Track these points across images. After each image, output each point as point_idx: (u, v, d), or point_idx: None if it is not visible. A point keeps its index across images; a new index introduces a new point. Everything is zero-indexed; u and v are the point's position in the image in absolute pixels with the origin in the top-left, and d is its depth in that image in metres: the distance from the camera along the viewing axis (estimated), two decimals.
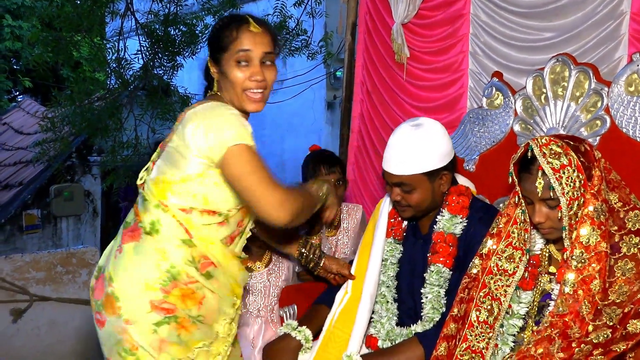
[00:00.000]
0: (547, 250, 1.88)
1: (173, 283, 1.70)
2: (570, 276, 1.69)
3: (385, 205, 2.34)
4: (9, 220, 6.43)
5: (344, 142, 3.64)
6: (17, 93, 13.23)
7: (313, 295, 2.59)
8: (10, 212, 6.48)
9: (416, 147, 2.05)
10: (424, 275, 2.11)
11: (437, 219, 2.14)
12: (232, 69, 1.79)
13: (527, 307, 1.85)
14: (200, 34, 5.36)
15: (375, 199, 3.27)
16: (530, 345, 1.70)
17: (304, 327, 2.22)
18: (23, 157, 7.56)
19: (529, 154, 1.74)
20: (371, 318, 2.23)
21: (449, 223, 2.10)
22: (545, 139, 1.73)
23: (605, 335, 1.60)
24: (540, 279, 1.87)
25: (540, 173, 1.71)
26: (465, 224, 2.10)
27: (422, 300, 2.11)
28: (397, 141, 2.10)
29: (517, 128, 2.48)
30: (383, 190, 3.28)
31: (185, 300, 1.71)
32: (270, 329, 2.55)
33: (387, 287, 2.24)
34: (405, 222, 2.28)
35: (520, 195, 1.81)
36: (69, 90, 5.34)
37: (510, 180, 1.81)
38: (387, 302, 2.23)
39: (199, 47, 5.37)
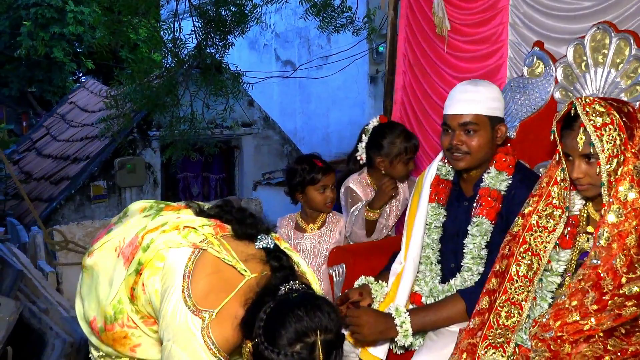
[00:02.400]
0: (586, 211, 1.87)
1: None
2: (606, 229, 1.68)
3: (428, 174, 2.36)
4: (78, 191, 6.68)
5: (387, 113, 3.64)
6: (81, 74, 13.57)
7: (361, 255, 2.64)
8: (79, 184, 6.72)
9: (483, 91, 2.13)
10: (467, 229, 2.14)
11: (482, 178, 2.15)
12: None
13: (566, 265, 1.85)
14: (249, 14, 5.39)
15: (418, 169, 3.27)
16: (565, 298, 1.71)
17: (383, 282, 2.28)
18: (89, 133, 7.79)
19: (572, 112, 1.74)
20: (416, 278, 2.27)
21: (495, 180, 2.12)
22: (589, 99, 1.72)
23: (639, 288, 1.60)
24: (578, 238, 1.86)
25: (582, 130, 1.71)
26: (509, 182, 2.11)
27: (463, 251, 2.13)
28: (464, 87, 2.16)
29: (557, 95, 2.45)
30: (426, 159, 3.28)
31: (115, 345, 1.69)
32: (321, 287, 2.61)
33: (432, 249, 2.26)
34: (449, 187, 2.29)
35: (561, 152, 1.81)
36: (129, 70, 5.46)
37: (552, 137, 1.80)
38: (431, 263, 2.26)
39: (248, 26, 5.41)
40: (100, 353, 1.76)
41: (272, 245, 1.65)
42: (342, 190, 2.82)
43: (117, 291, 1.65)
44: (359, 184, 2.83)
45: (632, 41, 2.20)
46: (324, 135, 9.11)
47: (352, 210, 2.67)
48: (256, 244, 1.64)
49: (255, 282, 1.55)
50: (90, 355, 1.85)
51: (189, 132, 5.57)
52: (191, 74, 5.65)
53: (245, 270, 1.57)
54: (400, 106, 3.50)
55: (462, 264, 2.16)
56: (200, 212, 1.77)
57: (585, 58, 2.33)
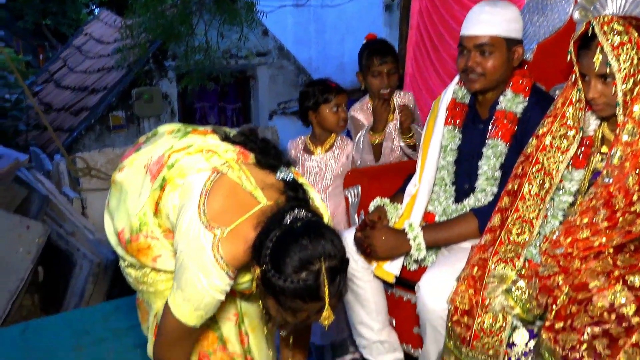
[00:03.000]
0: (601, 131, 1.86)
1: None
2: (620, 148, 1.67)
3: (444, 97, 2.34)
4: (97, 121, 6.72)
5: (403, 38, 3.59)
6: (94, 6, 13.37)
7: (376, 177, 2.67)
8: (99, 114, 6.76)
9: (500, 11, 2.09)
10: (482, 151, 2.14)
11: (498, 101, 2.14)
12: None
13: (578, 185, 1.86)
14: None
15: (433, 93, 3.25)
16: (576, 216, 1.73)
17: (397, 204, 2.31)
18: (105, 64, 7.76)
19: (590, 31, 1.70)
20: (430, 199, 2.29)
21: (511, 102, 2.11)
22: (608, 17, 1.68)
23: None
24: (592, 159, 1.86)
25: (599, 49, 1.68)
26: (525, 105, 2.10)
27: (478, 172, 2.15)
28: (481, 8, 2.12)
29: (576, 16, 2.38)
30: (441, 84, 3.25)
31: (139, 255, 1.75)
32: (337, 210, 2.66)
33: (447, 171, 2.27)
34: (465, 110, 2.28)
35: (577, 73, 1.78)
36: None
37: (569, 57, 1.78)
38: (446, 184, 2.28)
39: None
40: (127, 263, 1.84)
41: (291, 179, 1.68)
42: (348, 119, 2.83)
43: (143, 204, 1.71)
44: (360, 111, 2.84)
45: None
46: (339, 64, 9.00)
47: (358, 135, 2.69)
48: (277, 174, 1.68)
49: (269, 209, 1.59)
50: (119, 264, 1.93)
51: (204, 61, 5.53)
52: (205, 3, 5.55)
53: (262, 197, 1.61)
54: (416, 31, 3.44)
55: (475, 185, 2.18)
56: (225, 138, 1.79)
57: None
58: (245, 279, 1.69)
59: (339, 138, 2.74)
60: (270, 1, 5.82)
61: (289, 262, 1.44)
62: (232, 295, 1.90)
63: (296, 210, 1.54)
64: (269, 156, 1.72)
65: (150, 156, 1.76)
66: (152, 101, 6.82)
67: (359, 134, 2.71)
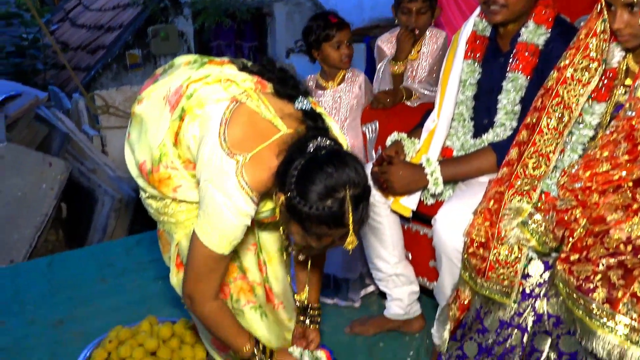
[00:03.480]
0: (625, 63, 1.81)
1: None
2: None
3: (464, 31, 2.28)
4: (114, 59, 6.68)
5: None
6: None
7: (394, 112, 2.66)
8: (115, 53, 6.71)
9: None
10: (502, 85, 2.11)
11: (520, 32, 2.09)
12: None
13: (600, 118, 1.82)
14: None
15: (454, 27, 3.18)
16: (596, 150, 1.71)
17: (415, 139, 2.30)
18: (121, 1, 7.66)
19: None
20: (448, 134, 2.28)
21: (533, 34, 2.06)
22: None
23: None
24: (615, 91, 1.82)
25: None
26: (548, 36, 2.04)
27: (497, 107, 2.12)
28: None
29: None
30: (462, 18, 3.17)
31: (160, 186, 1.76)
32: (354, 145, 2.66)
33: (465, 106, 2.24)
34: (485, 43, 2.23)
35: (603, 2, 1.72)
36: None
37: None
38: (464, 120, 2.25)
39: None
40: (147, 194, 1.87)
41: (309, 108, 1.68)
42: (375, 49, 2.79)
43: (163, 135, 1.73)
44: (387, 42, 2.79)
45: None
46: (357, 2, 8.77)
47: (379, 65, 2.65)
48: (296, 104, 1.67)
49: (289, 137, 1.59)
50: (140, 196, 1.96)
51: None
52: None
53: (281, 125, 1.61)
54: None
55: (495, 119, 2.15)
56: (243, 68, 1.79)
57: None
58: (266, 207, 1.72)
59: (350, 70, 2.71)
60: None
61: (315, 189, 1.47)
62: (251, 225, 1.94)
63: (319, 139, 1.55)
64: (287, 86, 1.72)
65: (168, 87, 1.76)
66: (168, 39, 6.74)
67: (380, 64, 2.67)
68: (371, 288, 2.73)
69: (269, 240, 2.00)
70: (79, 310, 2.73)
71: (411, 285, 2.40)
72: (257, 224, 1.94)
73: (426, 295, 2.52)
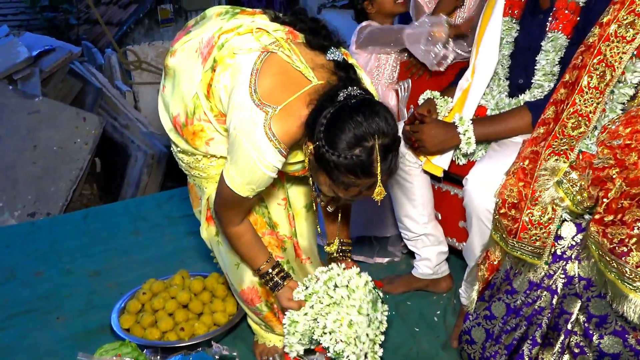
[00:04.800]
0: None
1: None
2: None
3: None
4: (146, 14, 6.69)
5: None
6: None
7: (428, 70, 2.60)
8: (147, 7, 6.71)
9: None
10: (541, 45, 2.05)
11: None
12: None
13: None
14: None
15: None
16: (639, 107, 1.66)
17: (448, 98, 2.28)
18: None
19: None
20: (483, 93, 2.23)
21: None
22: None
23: None
24: None
25: None
26: None
27: (535, 67, 2.07)
28: None
29: None
30: None
31: (194, 139, 1.80)
32: (389, 103, 2.62)
33: (501, 65, 2.19)
34: (525, 0, 2.16)
35: None
36: None
37: None
38: (499, 79, 2.20)
39: None
40: (179, 149, 1.89)
41: (341, 59, 1.66)
42: (410, 2, 2.72)
43: (196, 87, 1.73)
44: None
45: None
46: None
47: (425, 16, 2.58)
48: (327, 55, 1.66)
49: (321, 87, 1.59)
50: (172, 149, 1.98)
51: None
52: None
53: (312, 77, 1.60)
54: None
55: (532, 80, 2.09)
56: (275, 19, 1.78)
57: None
58: (297, 159, 1.73)
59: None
60: None
61: (343, 138, 1.46)
62: (281, 180, 1.95)
63: (349, 88, 1.54)
64: (319, 36, 1.70)
65: (200, 38, 1.76)
66: None
67: (432, 18, 2.61)
68: (400, 248, 2.75)
69: (297, 197, 2.02)
70: (114, 262, 2.81)
71: (440, 245, 2.40)
72: (286, 178, 1.95)
73: (455, 256, 2.52)
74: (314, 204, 1.98)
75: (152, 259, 2.82)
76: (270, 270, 1.83)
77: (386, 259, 2.73)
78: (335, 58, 1.65)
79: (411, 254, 2.57)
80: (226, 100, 1.67)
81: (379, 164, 1.47)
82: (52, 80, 3.95)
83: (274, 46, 1.64)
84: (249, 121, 1.57)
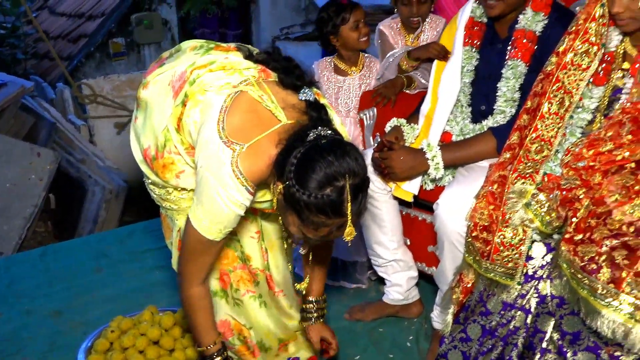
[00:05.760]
0: (622, 47, 1.84)
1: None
2: None
3: (462, 17, 2.31)
4: (97, 48, 6.60)
5: None
6: None
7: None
8: (98, 41, 6.63)
9: None
10: (502, 72, 2.14)
11: (518, 19, 2.12)
12: None
13: (598, 102, 1.85)
14: None
15: (446, 13, 3.19)
16: (601, 130, 1.75)
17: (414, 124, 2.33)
18: None
19: None
20: (447, 119, 2.30)
21: (531, 21, 2.09)
22: None
23: None
24: (613, 75, 1.85)
25: None
26: (545, 22, 2.07)
27: (496, 94, 2.15)
28: None
29: None
30: (453, 3, 3.19)
31: (164, 171, 1.78)
32: (357, 128, 2.68)
33: (463, 92, 2.28)
34: (483, 30, 2.25)
35: None
36: None
37: None
38: (462, 106, 2.28)
39: None
40: (150, 180, 1.88)
41: (313, 99, 1.67)
42: (375, 33, 2.80)
43: (167, 121, 1.73)
44: (389, 28, 2.80)
45: None
46: None
47: (389, 54, 2.66)
48: (300, 95, 1.67)
49: (290, 127, 1.59)
50: (144, 180, 1.97)
51: None
52: None
53: (282, 116, 1.61)
54: None
55: (494, 106, 2.18)
56: (249, 56, 1.78)
57: None
58: (265, 198, 1.72)
59: (367, 58, 2.73)
60: None
61: (314, 177, 1.47)
62: (254, 213, 1.94)
63: (319, 128, 1.55)
64: (292, 75, 1.71)
65: (173, 72, 1.77)
66: (152, 27, 6.67)
67: (393, 52, 2.68)
68: (369, 275, 2.77)
69: (271, 228, 2.01)
70: (77, 301, 2.73)
71: (410, 271, 2.44)
72: (259, 212, 1.95)
73: (424, 281, 2.56)
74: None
75: (117, 295, 2.75)
76: (214, 355, 1.80)
77: (353, 285, 2.74)
78: (308, 98, 1.66)
79: (380, 281, 2.60)
80: (195, 135, 1.67)
81: (349, 203, 1.48)
82: (4, 116, 3.85)
83: (244, 85, 1.65)
84: (216, 158, 1.56)
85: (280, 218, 1.69)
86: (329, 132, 1.56)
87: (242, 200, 1.59)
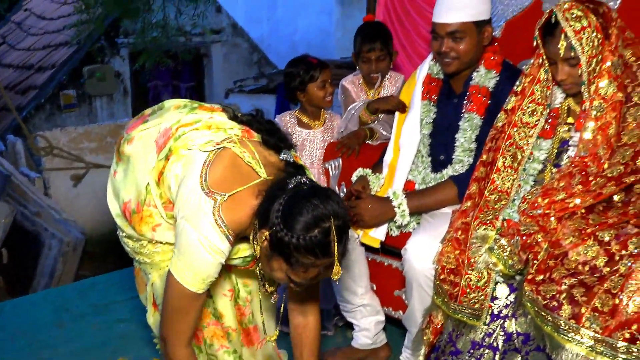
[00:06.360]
0: (566, 104, 2.02)
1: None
2: (591, 124, 1.84)
3: (420, 73, 2.47)
4: (48, 99, 6.55)
5: (371, 14, 3.67)
6: None
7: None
8: (49, 92, 6.59)
9: None
10: (458, 124, 2.30)
11: (472, 76, 2.29)
12: None
13: (547, 153, 2.02)
14: None
15: (400, 70, 3.36)
16: (553, 180, 1.91)
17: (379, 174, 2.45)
18: (51, 41, 7.54)
19: (553, 19, 1.85)
20: (409, 169, 2.43)
21: (484, 77, 2.26)
22: (568, 4, 1.84)
23: (619, 170, 1.79)
24: (559, 129, 2.03)
25: (563, 35, 1.83)
26: (497, 79, 2.26)
27: (455, 144, 2.30)
28: None
29: None
30: (409, 62, 3.37)
31: (141, 224, 1.82)
32: (322, 179, 2.77)
33: (423, 143, 2.42)
34: (440, 85, 2.42)
35: (545, 56, 1.94)
36: None
37: (535, 43, 1.93)
38: (422, 156, 2.42)
39: None
40: (125, 234, 1.90)
41: (292, 161, 1.76)
42: (339, 88, 2.95)
43: (148, 175, 1.78)
44: (351, 83, 2.95)
45: None
46: (290, 43, 9.03)
47: (351, 107, 2.80)
48: (281, 155, 1.75)
49: (270, 182, 1.66)
50: (117, 233, 1.98)
51: (161, 39, 5.49)
52: None
53: (263, 172, 1.68)
54: (383, 8, 3.53)
55: (453, 156, 2.33)
56: (233, 117, 1.85)
57: None
58: (239, 254, 1.76)
59: (328, 114, 2.85)
60: None
61: (302, 220, 1.53)
62: (228, 270, 1.97)
63: (298, 177, 1.63)
64: (275, 137, 1.79)
65: (159, 128, 1.82)
66: (104, 79, 6.69)
67: (353, 105, 2.81)
68: (337, 321, 2.82)
69: (250, 281, 2.04)
70: (37, 357, 2.67)
71: (377, 315, 2.52)
72: (234, 270, 1.98)
73: (390, 324, 2.64)
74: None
75: (80, 350, 2.71)
76: None
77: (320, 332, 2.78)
78: (288, 159, 1.75)
79: (346, 327, 2.66)
80: (175, 189, 1.71)
81: (335, 244, 1.55)
82: None
83: (227, 142, 1.71)
84: (198, 209, 1.61)
85: (258, 271, 1.72)
86: (308, 180, 1.65)
87: (223, 248, 1.62)
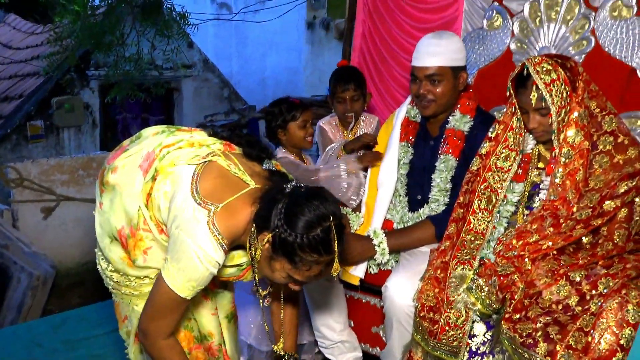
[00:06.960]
0: (537, 150, 2.16)
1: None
2: (560, 170, 1.97)
3: (399, 116, 2.58)
4: (14, 130, 6.43)
5: (346, 58, 3.80)
6: None
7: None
8: (15, 123, 6.46)
9: (446, 43, 2.34)
10: (434, 165, 2.40)
11: (448, 120, 2.41)
12: None
13: (519, 196, 2.14)
14: None
15: (375, 112, 3.47)
16: (526, 223, 2.02)
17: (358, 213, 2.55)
18: (18, 71, 7.45)
19: (525, 71, 1.98)
20: (388, 208, 2.52)
21: (459, 122, 2.38)
22: (538, 59, 1.97)
23: (587, 213, 1.91)
24: (530, 173, 2.15)
25: (534, 87, 1.96)
26: (472, 124, 2.38)
27: (431, 184, 2.40)
28: (429, 40, 2.36)
29: (513, 47, 2.72)
30: (384, 105, 3.48)
31: (134, 249, 1.84)
32: None
33: (400, 183, 2.52)
34: (417, 128, 2.53)
35: (517, 106, 2.07)
36: (72, 6, 5.28)
37: (508, 93, 2.06)
38: (400, 195, 2.52)
39: None
40: (111, 267, 1.92)
41: (275, 169, 1.84)
42: (316, 129, 3.03)
43: (138, 200, 1.80)
44: (329, 124, 3.04)
45: (581, 0, 2.49)
46: (260, 79, 9.14)
47: (329, 147, 2.88)
48: (264, 165, 1.83)
49: (259, 190, 1.73)
50: (97, 266, 1.99)
51: (134, 72, 5.52)
52: (135, 13, 5.54)
53: (250, 181, 1.75)
54: (359, 53, 3.65)
55: (429, 195, 2.43)
56: (213, 134, 1.93)
57: (539, 14, 2.61)
58: (233, 262, 1.81)
59: (307, 157, 2.92)
60: (195, 13, 5.85)
61: (304, 219, 1.60)
62: (212, 289, 2.01)
63: (293, 182, 1.71)
64: (256, 148, 1.88)
65: (141, 154, 1.86)
66: (73, 111, 6.63)
67: (331, 146, 2.89)
68: (315, 356, 2.85)
69: (220, 307, 2.09)
70: None
71: (355, 352, 2.57)
72: (218, 283, 2.01)
73: None
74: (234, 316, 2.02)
75: None
76: None
77: None
78: (271, 168, 1.83)
79: None
80: (165, 206, 1.74)
81: (336, 242, 1.63)
82: None
83: (212, 156, 1.78)
84: (192, 219, 1.65)
85: (255, 274, 1.77)
86: (302, 184, 1.72)
87: (217, 258, 1.67)
